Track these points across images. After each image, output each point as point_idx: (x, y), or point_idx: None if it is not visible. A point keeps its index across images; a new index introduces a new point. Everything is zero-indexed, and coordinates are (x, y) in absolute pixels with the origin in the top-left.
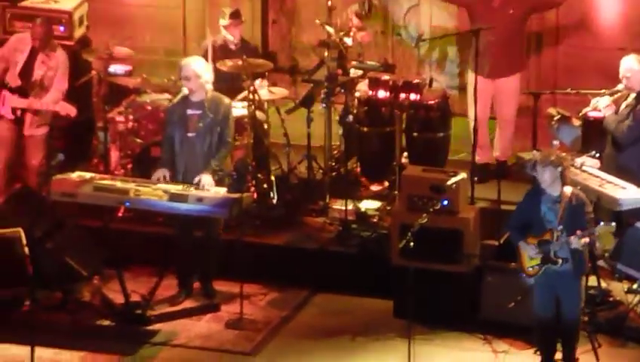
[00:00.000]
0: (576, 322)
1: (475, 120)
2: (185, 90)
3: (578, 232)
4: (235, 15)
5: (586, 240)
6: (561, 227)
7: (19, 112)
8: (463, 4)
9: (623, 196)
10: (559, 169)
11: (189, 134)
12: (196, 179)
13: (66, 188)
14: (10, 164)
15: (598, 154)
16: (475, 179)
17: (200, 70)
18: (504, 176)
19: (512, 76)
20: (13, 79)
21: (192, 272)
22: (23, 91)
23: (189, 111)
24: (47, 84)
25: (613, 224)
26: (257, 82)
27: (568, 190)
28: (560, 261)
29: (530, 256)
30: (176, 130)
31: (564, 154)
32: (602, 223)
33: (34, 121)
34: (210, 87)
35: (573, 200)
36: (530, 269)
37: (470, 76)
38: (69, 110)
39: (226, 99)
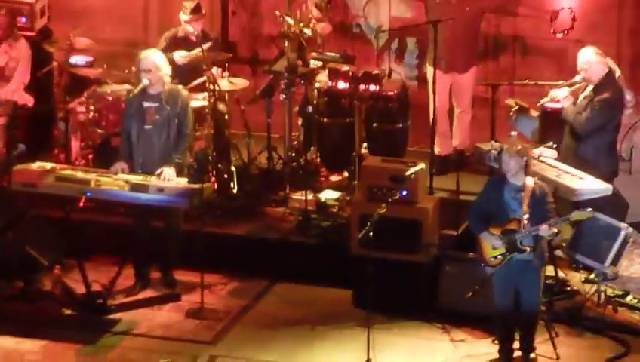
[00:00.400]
0: (536, 312)
1: (434, 112)
2: (145, 81)
3: (550, 221)
4: (196, 10)
5: (555, 229)
6: (527, 216)
7: None
8: None
9: (581, 186)
10: (524, 159)
11: (146, 126)
12: (157, 172)
13: (26, 178)
14: None
15: (555, 145)
16: (434, 170)
17: (160, 62)
18: (463, 166)
19: (469, 71)
20: None
21: (149, 263)
22: None
23: (146, 104)
24: (9, 74)
25: (589, 209)
26: (214, 70)
27: (531, 180)
28: (527, 249)
29: (493, 245)
30: (133, 123)
31: (528, 145)
32: (577, 210)
33: None
34: (168, 79)
35: (537, 190)
36: (492, 259)
37: (429, 69)
38: (27, 100)
39: (184, 92)
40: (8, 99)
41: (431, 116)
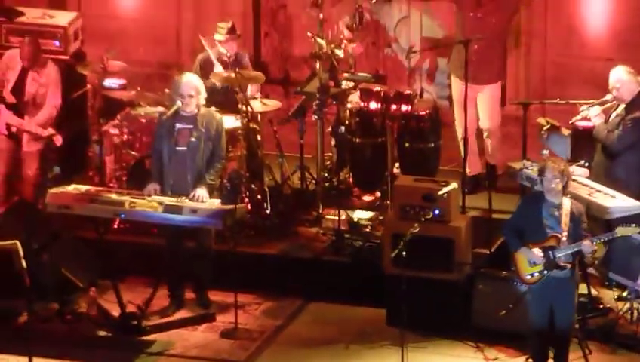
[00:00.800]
0: (570, 330)
1: (465, 129)
2: (179, 103)
3: (593, 237)
4: (232, 30)
5: (595, 246)
6: (565, 233)
7: (13, 128)
8: (458, 8)
9: (613, 204)
10: (565, 179)
11: (178, 148)
12: (191, 194)
13: (62, 200)
14: (8, 177)
15: (587, 164)
16: (466, 190)
17: (200, 87)
18: (494, 183)
19: (494, 84)
20: (7, 96)
21: (183, 283)
22: (17, 108)
23: (179, 126)
24: (40, 101)
25: (634, 225)
26: (249, 88)
27: (568, 200)
28: (567, 266)
29: (531, 262)
30: (164, 144)
31: (568, 165)
32: (621, 225)
33: (30, 137)
34: (203, 102)
35: (574, 209)
36: (529, 277)
37: (456, 85)
38: (56, 139)
39: (218, 115)
40: (37, 133)
41: (459, 134)
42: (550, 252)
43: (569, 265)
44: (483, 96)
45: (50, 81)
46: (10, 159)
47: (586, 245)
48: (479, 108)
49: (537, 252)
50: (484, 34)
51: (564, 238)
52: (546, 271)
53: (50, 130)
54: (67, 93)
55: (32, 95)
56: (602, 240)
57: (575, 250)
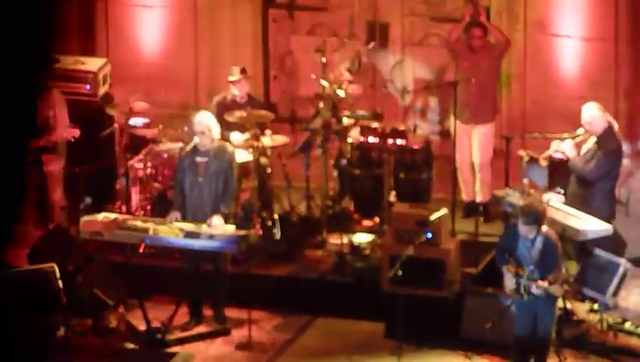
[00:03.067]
0: (549, 339)
1: (458, 161)
2: (196, 140)
3: (538, 282)
4: (243, 71)
5: (539, 291)
6: (532, 268)
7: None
8: (454, 57)
9: (585, 228)
10: (535, 226)
11: (199, 179)
12: (208, 222)
13: (93, 228)
14: (37, 202)
15: (562, 191)
16: (462, 215)
17: (211, 124)
18: (488, 218)
19: (490, 123)
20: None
21: (201, 302)
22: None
23: (198, 159)
24: (52, 123)
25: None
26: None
27: (544, 230)
28: (526, 297)
29: (506, 283)
30: (187, 176)
31: (541, 204)
32: (547, 285)
33: (49, 158)
34: (218, 136)
35: (547, 244)
36: (509, 291)
37: (454, 123)
38: (73, 133)
39: (230, 148)
40: (61, 138)
41: (458, 165)
42: (519, 279)
43: (526, 296)
44: (479, 134)
45: (54, 103)
46: (37, 186)
47: (534, 286)
48: (474, 146)
49: (510, 275)
50: (479, 78)
51: (528, 272)
52: (517, 294)
53: (67, 129)
54: (97, 132)
55: (46, 119)
56: (541, 287)
57: (529, 284)
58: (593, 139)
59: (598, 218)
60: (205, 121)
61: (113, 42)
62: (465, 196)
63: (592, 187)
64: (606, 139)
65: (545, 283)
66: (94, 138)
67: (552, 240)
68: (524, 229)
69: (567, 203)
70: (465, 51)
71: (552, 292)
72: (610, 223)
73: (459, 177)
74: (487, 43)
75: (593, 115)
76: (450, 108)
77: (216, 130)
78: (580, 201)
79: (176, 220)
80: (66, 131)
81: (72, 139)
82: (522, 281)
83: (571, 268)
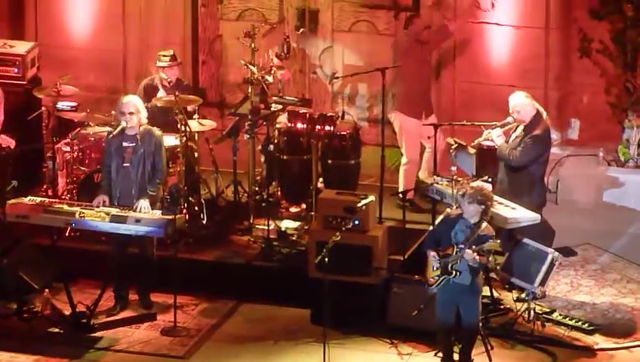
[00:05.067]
0: (474, 328)
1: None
2: (124, 123)
3: (473, 247)
4: (173, 58)
5: (476, 256)
6: (462, 246)
7: None
8: (401, 51)
9: (513, 216)
10: (482, 207)
11: (125, 164)
12: (135, 205)
13: (19, 211)
14: None
15: (490, 179)
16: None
17: (139, 106)
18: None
19: (432, 115)
20: None
21: (127, 286)
22: None
23: (125, 144)
24: None
25: (498, 241)
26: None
27: (484, 223)
28: (454, 273)
29: (434, 266)
30: (113, 160)
31: (489, 192)
32: (490, 240)
33: None
34: (145, 121)
35: (484, 232)
36: (431, 279)
37: (400, 118)
38: (9, 143)
39: (157, 132)
40: None
41: (405, 159)
42: (445, 259)
43: (454, 273)
44: (412, 127)
45: None
46: None
47: (468, 253)
48: (409, 139)
49: (437, 258)
50: (428, 70)
51: (458, 248)
52: (443, 276)
53: (4, 137)
54: (25, 115)
55: None
56: (477, 250)
57: (460, 256)
58: (521, 128)
59: (527, 206)
60: (132, 102)
61: (42, 25)
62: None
63: (519, 175)
64: (533, 126)
65: (472, 253)
66: (22, 121)
67: (489, 230)
68: (469, 209)
69: (496, 190)
70: (415, 45)
71: (477, 260)
72: (541, 211)
73: (407, 171)
74: (431, 34)
75: (521, 103)
76: (379, 97)
77: (143, 113)
78: (509, 189)
79: (104, 203)
80: (2, 139)
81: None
82: (450, 258)
83: (498, 257)
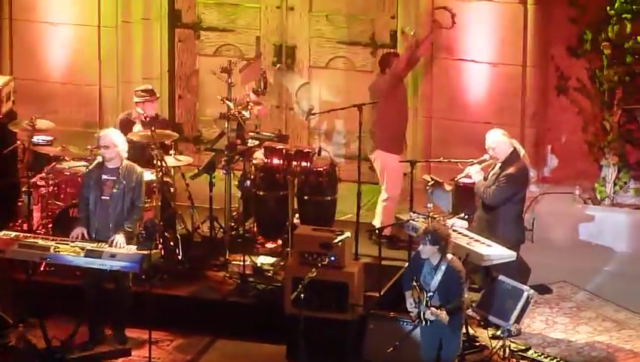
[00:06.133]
0: None
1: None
2: (99, 158)
3: (432, 309)
4: (151, 93)
5: (432, 318)
6: (431, 294)
7: None
8: (391, 88)
9: (489, 253)
10: (436, 247)
11: (103, 197)
12: (110, 240)
13: None
14: None
15: (467, 216)
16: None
17: (116, 140)
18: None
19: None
20: None
21: (102, 321)
22: None
23: (104, 176)
24: None
25: (444, 315)
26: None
27: (448, 258)
28: (424, 323)
29: (408, 307)
30: (92, 193)
31: (445, 228)
32: (438, 312)
33: None
34: (125, 155)
35: (449, 272)
36: (412, 315)
37: (384, 157)
38: None
39: (139, 168)
40: None
41: (384, 196)
42: (419, 305)
43: (424, 322)
44: (395, 164)
45: None
46: None
47: (428, 313)
48: (392, 176)
49: (411, 303)
50: (403, 110)
51: (427, 298)
52: (417, 321)
53: None
54: (0, 149)
55: None
56: (436, 314)
57: (432, 318)
58: (499, 165)
59: (504, 243)
60: (110, 135)
61: (18, 59)
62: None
63: (496, 212)
64: (509, 164)
65: (437, 311)
66: None
67: (455, 267)
68: (425, 250)
69: (473, 228)
70: (396, 82)
71: (442, 319)
72: (519, 248)
73: (386, 208)
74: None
75: (497, 140)
76: (356, 133)
77: (123, 147)
78: (486, 226)
79: (83, 235)
80: None
81: None
82: (421, 307)
83: (476, 297)
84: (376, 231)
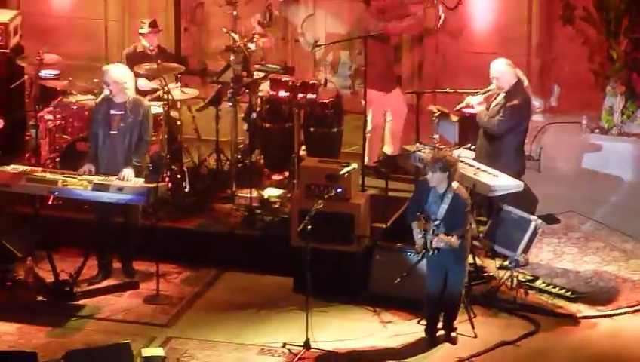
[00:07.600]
0: (458, 296)
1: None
2: (106, 92)
3: (440, 236)
4: (153, 25)
5: (441, 244)
6: (437, 222)
7: None
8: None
9: (496, 183)
10: (446, 174)
11: (112, 132)
12: (120, 174)
13: (2, 179)
14: None
15: (473, 147)
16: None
17: (118, 76)
18: (396, 170)
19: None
20: None
21: (110, 254)
22: None
23: (112, 111)
24: None
25: (454, 239)
26: (172, 85)
27: (454, 186)
28: (431, 252)
29: (415, 238)
30: (100, 128)
31: (452, 156)
32: (442, 236)
33: None
34: (130, 89)
35: (456, 199)
36: (417, 247)
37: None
38: None
39: (146, 102)
40: None
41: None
42: (425, 235)
43: (431, 251)
44: (392, 98)
45: None
46: None
47: (436, 240)
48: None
49: (417, 233)
50: (385, 49)
51: (434, 226)
52: (423, 252)
53: None
54: (7, 84)
55: None
56: (441, 242)
57: (440, 245)
58: (501, 95)
59: (506, 173)
60: (111, 72)
61: None
62: (368, 160)
63: (498, 142)
64: (513, 95)
65: (447, 237)
66: (4, 89)
67: (461, 196)
68: (433, 178)
69: (475, 157)
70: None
71: (452, 244)
72: (520, 179)
73: (372, 138)
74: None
75: (501, 70)
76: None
77: (131, 83)
78: (487, 156)
79: (90, 172)
80: None
81: None
82: (427, 236)
83: (480, 227)
84: (377, 162)
